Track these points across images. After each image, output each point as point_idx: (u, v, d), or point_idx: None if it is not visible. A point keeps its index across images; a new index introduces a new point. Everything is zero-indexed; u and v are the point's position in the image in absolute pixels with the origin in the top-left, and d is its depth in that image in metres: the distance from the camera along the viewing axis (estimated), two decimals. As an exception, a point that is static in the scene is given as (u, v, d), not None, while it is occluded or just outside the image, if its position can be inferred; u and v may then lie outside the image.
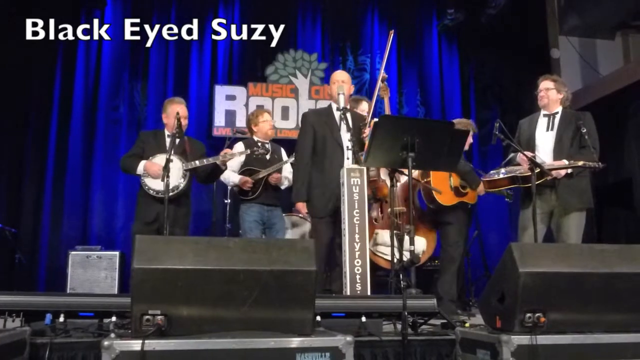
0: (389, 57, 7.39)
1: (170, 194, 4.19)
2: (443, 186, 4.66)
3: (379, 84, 4.90)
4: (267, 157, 5.06)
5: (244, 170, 5.03)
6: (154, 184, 4.40)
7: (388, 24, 7.87)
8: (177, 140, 4.51)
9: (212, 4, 7.44)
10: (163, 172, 4.04)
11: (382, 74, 4.93)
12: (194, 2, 7.42)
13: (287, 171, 5.13)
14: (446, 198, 4.68)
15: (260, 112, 5.29)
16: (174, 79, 7.24)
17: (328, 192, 4.21)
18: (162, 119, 4.72)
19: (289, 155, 5.18)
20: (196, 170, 4.55)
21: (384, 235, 4.71)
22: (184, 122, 4.59)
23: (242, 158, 5.06)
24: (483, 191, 4.80)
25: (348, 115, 4.24)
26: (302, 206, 4.48)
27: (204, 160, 4.42)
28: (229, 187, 5.68)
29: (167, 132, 4.65)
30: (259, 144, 5.07)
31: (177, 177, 4.37)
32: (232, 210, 5.93)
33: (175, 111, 4.46)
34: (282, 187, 5.14)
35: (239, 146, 5.08)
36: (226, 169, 4.68)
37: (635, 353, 2.53)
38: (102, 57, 7.10)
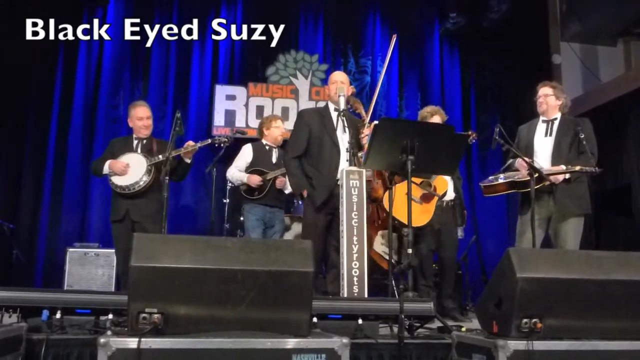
0: (390, 61, 7.42)
1: (136, 188, 4.49)
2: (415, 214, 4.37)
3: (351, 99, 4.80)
4: (274, 160, 5.21)
5: (251, 171, 5.14)
6: (119, 181, 4.56)
7: (390, 27, 7.89)
8: (144, 141, 4.74)
9: (214, 4, 7.44)
10: (164, 169, 4.14)
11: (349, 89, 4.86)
12: (197, 2, 7.43)
13: None
14: (420, 218, 4.47)
15: (274, 117, 5.51)
16: (175, 78, 7.25)
17: (327, 193, 4.19)
18: (160, 118, 4.77)
19: None
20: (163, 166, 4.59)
21: (379, 238, 4.70)
22: (148, 122, 4.77)
23: (249, 159, 5.19)
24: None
25: (347, 116, 4.23)
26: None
27: (166, 154, 4.46)
28: (229, 186, 5.72)
29: (134, 136, 4.80)
30: (266, 147, 5.20)
31: (139, 174, 4.53)
32: (230, 210, 5.95)
33: (137, 114, 4.73)
34: (286, 192, 5.22)
35: (248, 147, 5.25)
36: (191, 161, 4.72)
37: (631, 361, 2.53)
38: (104, 56, 7.11)
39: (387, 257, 4.58)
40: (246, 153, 5.33)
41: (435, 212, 4.66)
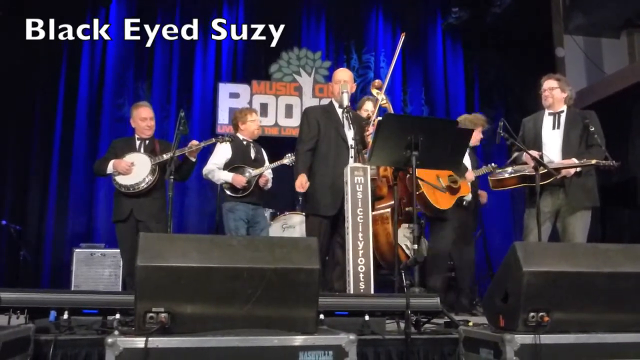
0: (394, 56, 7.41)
1: (140, 188, 4.54)
2: (435, 193, 4.57)
3: (381, 98, 4.88)
4: (252, 155, 5.08)
5: (234, 168, 5.01)
6: (123, 180, 4.60)
7: (392, 22, 7.89)
8: (147, 141, 4.78)
9: (216, 4, 7.44)
10: (168, 169, 4.20)
11: (383, 85, 4.92)
12: (199, 2, 7.43)
13: (268, 172, 5.16)
14: (444, 202, 4.63)
15: (249, 111, 5.30)
16: (178, 76, 7.27)
17: (336, 190, 4.15)
18: (165, 118, 4.76)
19: (270, 157, 5.22)
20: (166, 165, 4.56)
21: (403, 230, 4.71)
22: (151, 122, 4.81)
23: (228, 155, 5.03)
24: (472, 177, 4.81)
25: (351, 114, 4.22)
26: (301, 180, 4.24)
27: (170, 153, 4.47)
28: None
29: (137, 136, 4.84)
30: (244, 142, 5.10)
31: (143, 173, 4.58)
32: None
33: (140, 115, 4.77)
34: (266, 189, 5.13)
35: (225, 145, 5.05)
36: (195, 160, 4.72)
37: (639, 353, 2.52)
38: (107, 56, 7.13)
39: (406, 250, 4.64)
40: (224, 149, 5.08)
41: (459, 212, 4.79)
